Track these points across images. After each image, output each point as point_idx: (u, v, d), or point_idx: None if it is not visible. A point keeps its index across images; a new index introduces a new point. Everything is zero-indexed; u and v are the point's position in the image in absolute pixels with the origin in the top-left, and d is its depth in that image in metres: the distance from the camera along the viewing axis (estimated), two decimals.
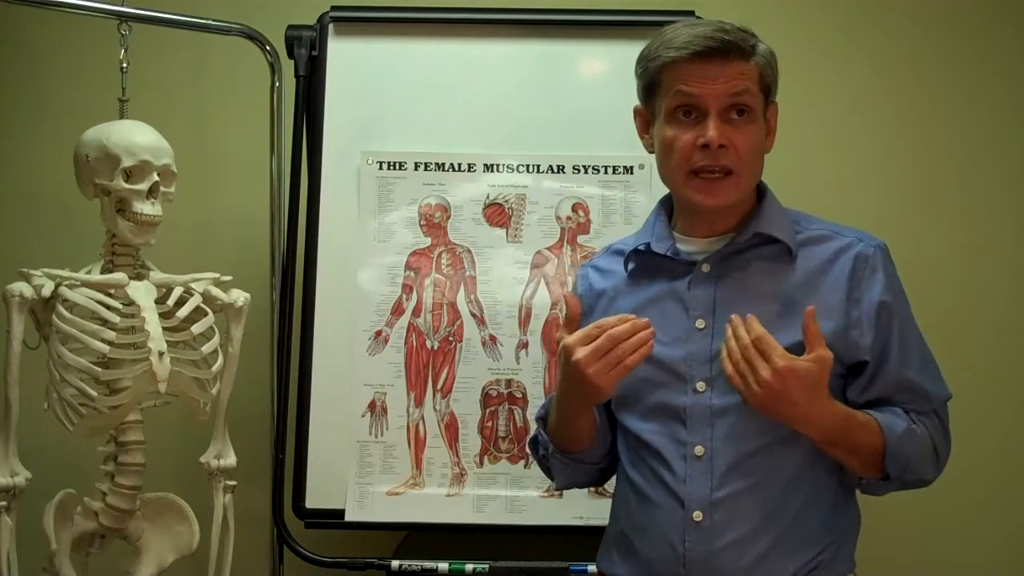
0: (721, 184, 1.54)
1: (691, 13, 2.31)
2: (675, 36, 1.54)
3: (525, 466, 2.23)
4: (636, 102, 1.66)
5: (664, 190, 1.69)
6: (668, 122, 1.57)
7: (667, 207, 1.70)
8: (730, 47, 1.51)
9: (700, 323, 1.57)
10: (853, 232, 1.61)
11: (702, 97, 1.52)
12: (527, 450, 2.01)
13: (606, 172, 2.29)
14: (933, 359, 1.61)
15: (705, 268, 1.59)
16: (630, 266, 1.68)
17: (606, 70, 2.36)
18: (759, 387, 1.41)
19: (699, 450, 1.55)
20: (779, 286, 1.56)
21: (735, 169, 1.53)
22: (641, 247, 1.66)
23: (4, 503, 1.91)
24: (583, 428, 1.64)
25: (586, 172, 2.29)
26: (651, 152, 1.64)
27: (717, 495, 1.53)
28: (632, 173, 2.28)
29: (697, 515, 1.53)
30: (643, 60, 1.60)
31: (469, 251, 2.30)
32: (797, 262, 1.57)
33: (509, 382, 2.25)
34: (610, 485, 1.80)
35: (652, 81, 1.58)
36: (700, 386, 1.56)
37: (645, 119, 1.64)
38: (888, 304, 1.55)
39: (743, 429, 1.53)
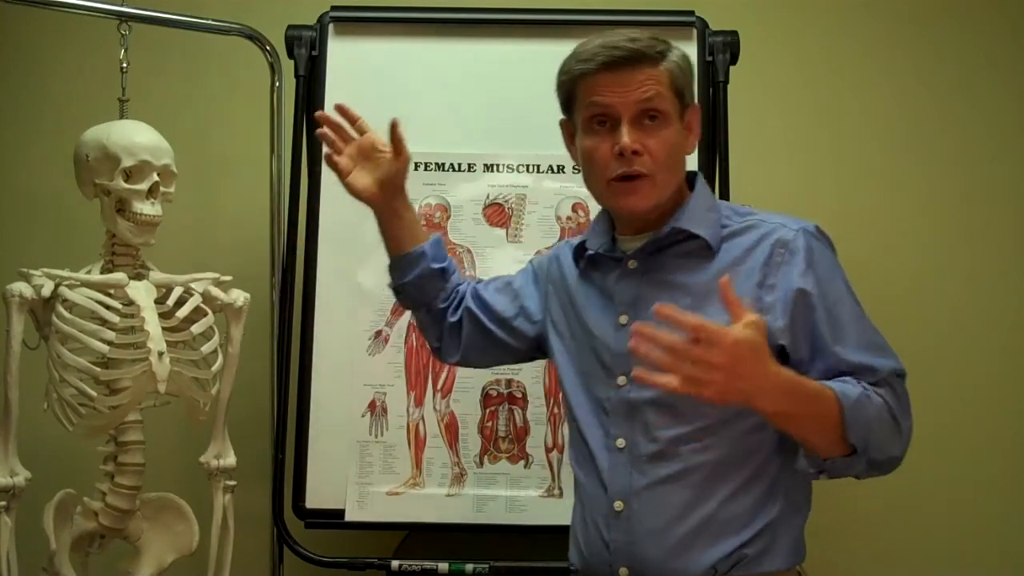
0: (638, 187, 1.57)
1: (691, 13, 2.32)
2: (585, 49, 1.59)
3: (525, 466, 2.23)
4: None
5: None
6: (586, 133, 1.61)
7: None
8: (637, 55, 1.55)
9: (623, 318, 1.62)
10: (780, 219, 1.61)
11: (613, 106, 1.56)
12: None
13: None
14: (877, 335, 1.57)
15: (632, 264, 1.63)
16: (580, 263, 1.74)
17: None
18: (713, 374, 1.36)
19: (620, 442, 1.59)
20: (696, 280, 1.58)
21: (650, 172, 1.56)
22: (586, 246, 1.73)
23: (4, 503, 1.91)
24: (391, 232, 1.82)
25: None
26: (578, 164, 1.68)
27: (636, 485, 1.57)
28: None
29: (618, 505, 1.58)
30: (559, 74, 1.64)
31: (469, 251, 2.30)
32: (718, 256, 1.59)
33: (509, 382, 2.25)
34: None
35: (568, 95, 1.64)
36: (621, 380, 1.60)
37: (569, 131, 1.68)
38: (805, 291, 1.53)
39: (663, 421, 1.56)
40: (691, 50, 2.26)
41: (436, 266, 1.82)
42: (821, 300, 1.53)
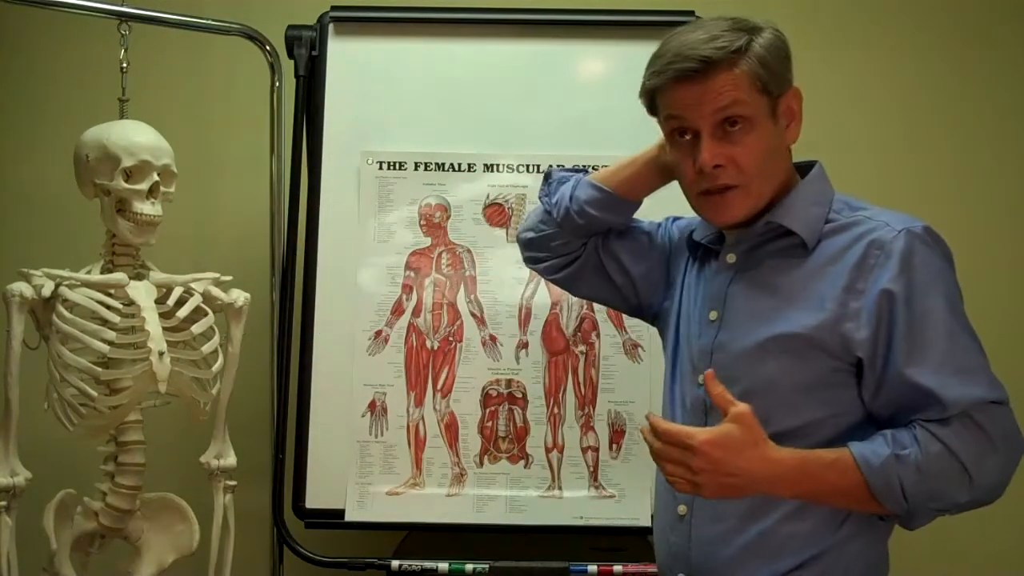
0: (728, 200, 1.48)
1: (691, 13, 2.32)
2: (659, 56, 1.49)
3: (525, 466, 2.23)
4: (634, 101, 1.62)
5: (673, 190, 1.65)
6: (671, 145, 1.54)
7: None
8: (708, 64, 1.43)
9: (712, 314, 1.54)
10: (888, 216, 1.46)
11: (690, 120, 1.47)
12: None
13: None
14: (969, 358, 1.40)
15: (730, 259, 1.55)
16: (695, 251, 1.66)
17: (606, 70, 2.37)
18: (698, 476, 1.34)
19: None
20: (786, 279, 1.48)
21: (739, 183, 1.46)
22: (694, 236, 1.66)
23: (4, 503, 1.91)
24: (636, 178, 1.67)
25: (586, 172, 2.28)
26: None
27: None
28: None
29: (682, 509, 1.53)
30: (642, 83, 1.55)
31: (469, 251, 2.30)
32: (814, 253, 1.47)
33: (509, 382, 2.26)
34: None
35: (650, 105, 1.55)
36: (701, 379, 1.51)
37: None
38: (892, 294, 1.39)
39: None
40: None
41: (619, 227, 1.74)
42: (906, 309, 1.39)
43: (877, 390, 1.42)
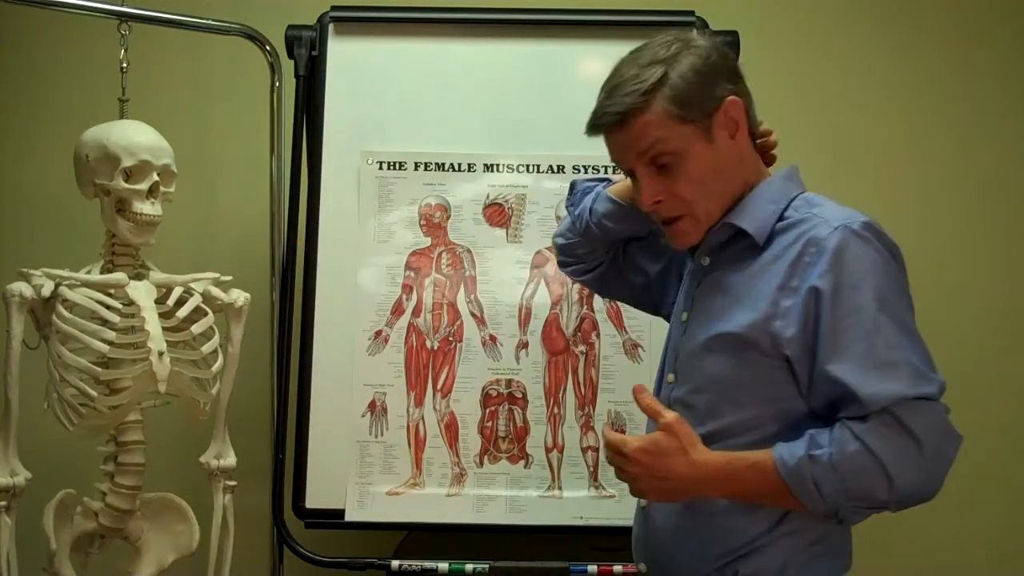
0: (679, 228, 1.52)
1: (691, 13, 2.32)
2: (598, 98, 1.52)
3: (525, 466, 2.23)
4: None
5: None
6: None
7: None
8: (618, 116, 1.47)
9: (684, 315, 1.58)
10: (831, 213, 1.45)
11: (624, 164, 1.53)
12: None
13: (606, 172, 2.28)
14: (891, 353, 1.36)
15: (704, 261, 1.56)
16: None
17: (606, 70, 2.33)
18: (637, 481, 1.44)
19: None
20: (736, 279, 1.50)
21: (682, 212, 1.50)
22: None
23: (4, 503, 1.91)
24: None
25: (586, 172, 2.29)
26: None
27: None
28: None
29: (643, 501, 1.57)
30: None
31: (469, 251, 2.30)
32: (764, 252, 1.47)
33: (509, 382, 2.26)
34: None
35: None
36: (670, 377, 1.58)
37: None
38: (819, 291, 1.38)
39: (690, 422, 1.46)
40: None
41: (639, 235, 1.76)
42: (831, 306, 1.38)
43: (809, 388, 1.42)
